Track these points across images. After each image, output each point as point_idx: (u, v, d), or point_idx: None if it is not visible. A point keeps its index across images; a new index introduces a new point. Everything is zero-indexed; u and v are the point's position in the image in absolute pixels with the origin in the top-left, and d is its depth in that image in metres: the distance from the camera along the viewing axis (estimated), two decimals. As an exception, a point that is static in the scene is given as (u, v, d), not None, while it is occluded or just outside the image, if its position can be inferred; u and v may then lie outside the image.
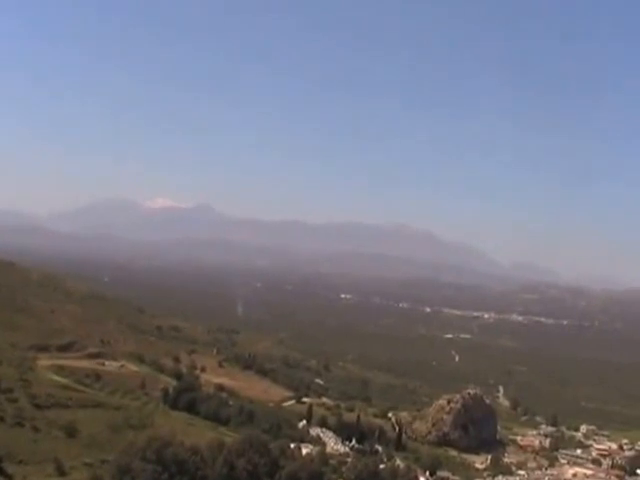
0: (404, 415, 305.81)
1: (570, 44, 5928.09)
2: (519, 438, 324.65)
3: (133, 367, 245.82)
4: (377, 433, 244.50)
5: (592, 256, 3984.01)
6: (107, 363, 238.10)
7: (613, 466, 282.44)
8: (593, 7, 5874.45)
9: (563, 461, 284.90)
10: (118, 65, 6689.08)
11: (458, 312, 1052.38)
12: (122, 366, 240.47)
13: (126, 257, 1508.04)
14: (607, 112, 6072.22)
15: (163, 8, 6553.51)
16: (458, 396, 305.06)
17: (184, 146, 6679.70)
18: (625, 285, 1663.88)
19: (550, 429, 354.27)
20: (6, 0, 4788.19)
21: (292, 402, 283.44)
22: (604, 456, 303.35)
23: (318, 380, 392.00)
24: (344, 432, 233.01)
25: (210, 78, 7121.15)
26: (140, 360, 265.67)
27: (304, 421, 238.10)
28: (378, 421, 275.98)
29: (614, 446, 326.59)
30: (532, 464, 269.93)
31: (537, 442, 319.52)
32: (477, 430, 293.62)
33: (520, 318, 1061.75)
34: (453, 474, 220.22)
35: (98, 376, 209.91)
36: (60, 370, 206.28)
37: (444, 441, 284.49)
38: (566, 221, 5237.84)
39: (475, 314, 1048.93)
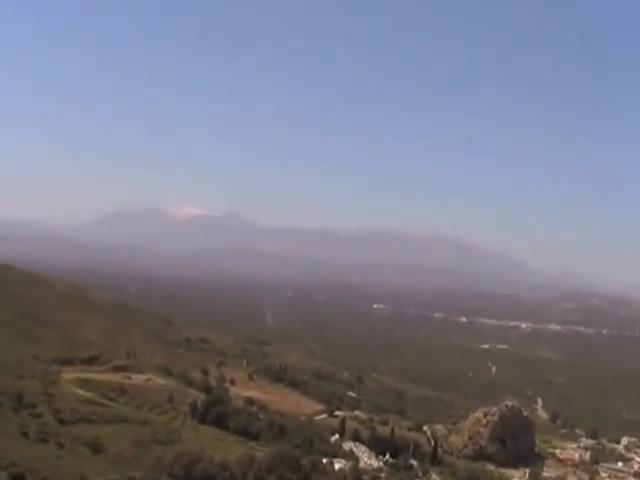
0: (439, 428, 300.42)
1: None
2: (558, 451, 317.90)
3: (160, 380, 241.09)
4: (412, 447, 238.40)
5: (631, 263, 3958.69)
6: (133, 376, 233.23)
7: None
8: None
9: (604, 475, 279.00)
10: (143, 71, 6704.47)
11: (494, 322, 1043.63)
12: (149, 379, 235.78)
13: (153, 267, 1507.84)
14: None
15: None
16: (495, 408, 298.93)
17: (212, 153, 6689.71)
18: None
19: (590, 442, 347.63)
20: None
21: (324, 415, 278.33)
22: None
23: (351, 393, 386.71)
24: (378, 446, 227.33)
25: (238, 84, 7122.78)
26: (167, 373, 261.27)
27: (337, 435, 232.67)
28: (413, 435, 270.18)
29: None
30: (572, 478, 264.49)
31: (577, 455, 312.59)
32: (515, 444, 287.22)
33: (558, 327, 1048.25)
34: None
35: (124, 390, 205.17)
36: (85, 384, 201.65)
37: (481, 455, 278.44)
38: (604, 227, 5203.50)
39: (512, 324, 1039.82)
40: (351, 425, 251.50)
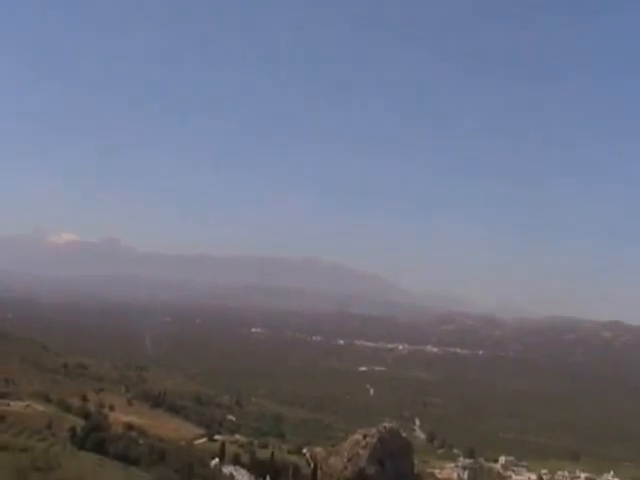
0: (319, 451, 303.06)
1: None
2: (437, 471, 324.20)
3: (39, 407, 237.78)
4: (291, 470, 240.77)
5: (504, 285, 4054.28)
6: (12, 403, 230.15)
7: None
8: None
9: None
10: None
11: (371, 344, 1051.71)
12: (27, 406, 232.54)
13: (30, 293, 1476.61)
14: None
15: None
16: (374, 430, 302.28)
17: (89, 179, 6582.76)
18: (538, 314, 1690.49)
19: (468, 461, 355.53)
20: None
21: (204, 440, 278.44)
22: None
23: (230, 417, 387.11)
24: (258, 470, 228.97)
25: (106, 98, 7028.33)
26: (46, 399, 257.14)
27: (216, 459, 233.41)
28: (292, 457, 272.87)
29: (533, 477, 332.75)
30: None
31: (455, 475, 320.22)
32: (394, 464, 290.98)
33: (435, 349, 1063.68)
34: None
35: (3, 417, 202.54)
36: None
37: (360, 476, 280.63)
38: (477, 250, 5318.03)
39: (389, 346, 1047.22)
40: (231, 449, 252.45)
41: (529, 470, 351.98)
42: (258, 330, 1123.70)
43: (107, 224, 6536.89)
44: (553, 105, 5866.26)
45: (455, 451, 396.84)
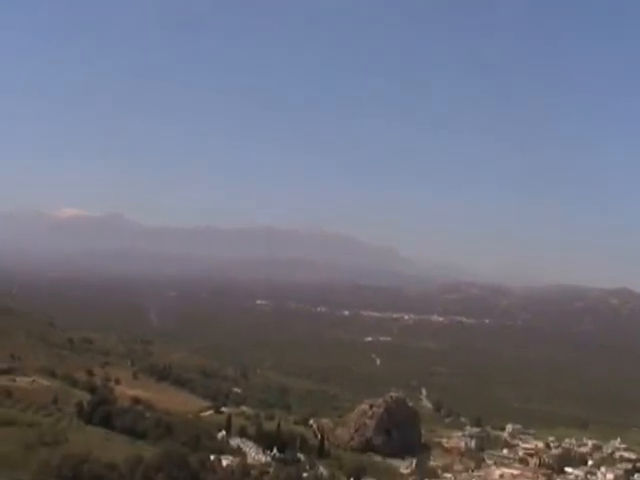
0: (326, 422, 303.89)
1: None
2: (444, 440, 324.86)
3: (45, 382, 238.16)
4: (298, 441, 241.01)
5: (509, 254, 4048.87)
6: (18, 379, 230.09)
7: (540, 465, 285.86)
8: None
9: (490, 462, 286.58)
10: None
11: (377, 314, 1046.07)
12: (33, 381, 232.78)
13: (34, 269, 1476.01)
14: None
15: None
16: (380, 400, 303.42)
17: (93, 152, 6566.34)
18: (544, 282, 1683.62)
19: (475, 430, 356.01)
20: None
21: (210, 412, 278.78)
22: (531, 455, 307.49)
23: (236, 389, 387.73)
24: (264, 441, 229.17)
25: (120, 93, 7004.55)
26: (52, 374, 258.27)
27: (223, 432, 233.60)
28: (299, 429, 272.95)
29: (541, 445, 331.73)
30: (458, 466, 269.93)
31: (462, 444, 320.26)
32: (401, 434, 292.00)
33: (441, 319, 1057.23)
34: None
35: (9, 393, 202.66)
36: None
37: (367, 447, 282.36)
38: (481, 219, 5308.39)
39: (395, 316, 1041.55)
40: (237, 421, 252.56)
41: (536, 438, 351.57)
42: (263, 302, 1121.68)
43: (111, 198, 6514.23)
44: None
45: (462, 420, 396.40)
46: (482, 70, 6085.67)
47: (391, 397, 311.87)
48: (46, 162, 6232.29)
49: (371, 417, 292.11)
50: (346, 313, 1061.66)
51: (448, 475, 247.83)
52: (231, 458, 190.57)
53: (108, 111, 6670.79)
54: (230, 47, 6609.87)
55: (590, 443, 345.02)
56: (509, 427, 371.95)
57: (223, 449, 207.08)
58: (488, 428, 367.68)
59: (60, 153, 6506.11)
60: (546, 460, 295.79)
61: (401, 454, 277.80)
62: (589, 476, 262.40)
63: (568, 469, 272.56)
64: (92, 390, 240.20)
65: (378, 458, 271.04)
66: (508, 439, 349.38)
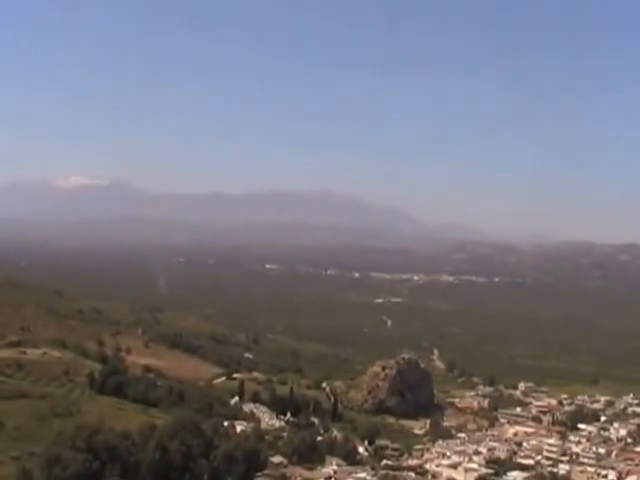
0: (338, 385, 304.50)
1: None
2: (457, 400, 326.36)
3: (56, 353, 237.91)
4: (312, 405, 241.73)
5: (518, 211, 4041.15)
6: (28, 351, 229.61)
7: (554, 422, 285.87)
8: None
9: (503, 421, 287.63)
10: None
11: (387, 276, 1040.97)
12: (44, 353, 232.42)
13: (41, 240, 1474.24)
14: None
15: None
16: (392, 362, 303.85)
17: (95, 120, 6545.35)
18: (554, 239, 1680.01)
19: (488, 389, 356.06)
20: None
21: (223, 379, 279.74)
22: (544, 413, 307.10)
23: (248, 354, 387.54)
24: (278, 406, 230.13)
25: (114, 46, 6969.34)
26: (62, 346, 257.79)
27: (236, 398, 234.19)
28: (312, 393, 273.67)
29: (554, 402, 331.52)
30: (472, 426, 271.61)
31: (475, 403, 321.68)
32: (414, 395, 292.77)
33: (450, 278, 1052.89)
34: (392, 442, 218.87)
35: (20, 365, 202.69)
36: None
37: (381, 408, 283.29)
38: (487, 176, 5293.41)
39: (404, 277, 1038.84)
40: (250, 387, 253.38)
41: (549, 396, 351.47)
42: (272, 267, 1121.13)
43: (116, 165, 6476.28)
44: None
45: (475, 379, 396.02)
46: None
47: (403, 358, 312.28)
48: (49, 131, 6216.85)
49: (384, 379, 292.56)
50: (356, 275, 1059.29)
51: (462, 435, 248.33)
52: (245, 424, 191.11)
53: (112, 75, 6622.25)
54: None
55: (602, 399, 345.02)
56: (522, 385, 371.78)
57: (236, 415, 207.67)
58: (501, 387, 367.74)
59: (64, 122, 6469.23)
60: (559, 417, 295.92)
61: (415, 415, 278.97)
62: (602, 432, 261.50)
63: (581, 426, 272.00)
64: (103, 360, 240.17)
65: (392, 420, 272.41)
66: (521, 397, 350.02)
